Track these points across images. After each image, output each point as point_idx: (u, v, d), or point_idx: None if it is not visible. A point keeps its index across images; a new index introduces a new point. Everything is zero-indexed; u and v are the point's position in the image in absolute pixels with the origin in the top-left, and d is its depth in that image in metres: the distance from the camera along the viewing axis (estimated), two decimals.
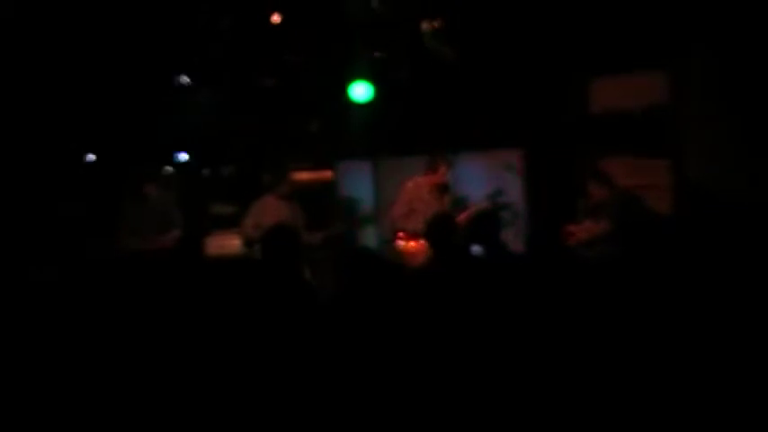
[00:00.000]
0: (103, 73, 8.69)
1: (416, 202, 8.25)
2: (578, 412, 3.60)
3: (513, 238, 8.62)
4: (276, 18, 8.73)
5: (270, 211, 8.17)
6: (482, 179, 9.69)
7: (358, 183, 10.62)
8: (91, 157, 8.96)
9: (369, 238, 10.38)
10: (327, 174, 10.09)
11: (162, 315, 5.64)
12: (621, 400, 3.66)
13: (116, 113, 9.06)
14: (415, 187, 8.33)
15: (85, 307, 6.37)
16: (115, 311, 6.04)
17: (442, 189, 8.41)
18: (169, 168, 8.96)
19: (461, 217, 7.90)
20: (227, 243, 8.99)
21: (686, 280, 5.14)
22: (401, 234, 8.32)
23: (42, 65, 8.23)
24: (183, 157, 9.46)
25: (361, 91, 9.79)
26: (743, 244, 6.63)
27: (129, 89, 8.96)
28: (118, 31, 8.23)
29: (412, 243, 8.22)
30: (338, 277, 4.85)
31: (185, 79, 9.20)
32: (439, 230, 5.72)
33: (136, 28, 8.24)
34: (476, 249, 6.09)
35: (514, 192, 9.04)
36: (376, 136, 10.35)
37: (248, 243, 8.35)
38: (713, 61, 8.47)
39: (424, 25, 9.01)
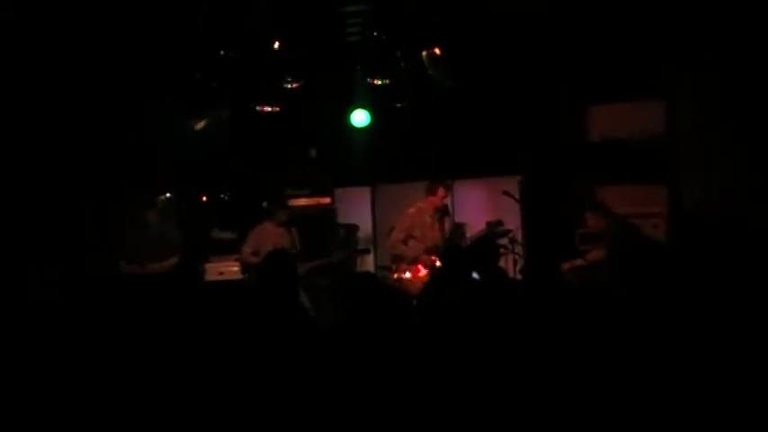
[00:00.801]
0: (102, 97, 8.72)
1: (416, 228, 8.28)
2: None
3: (512, 265, 8.68)
4: (276, 44, 8.76)
5: (268, 237, 8.20)
6: (481, 206, 9.73)
7: (357, 209, 10.64)
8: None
9: (367, 264, 10.39)
10: (326, 200, 10.11)
11: (157, 339, 5.65)
12: (617, 422, 3.67)
13: (115, 138, 9.07)
14: (417, 213, 8.35)
15: (82, 329, 6.37)
16: (112, 334, 6.05)
17: (443, 212, 8.44)
18: (169, 194, 8.96)
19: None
20: (227, 269, 9.00)
21: (682, 306, 5.16)
22: (399, 262, 8.36)
23: (42, 77, 8.26)
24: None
25: (360, 117, 9.84)
26: (740, 271, 6.65)
27: (128, 115, 8.98)
28: (119, 54, 8.26)
29: (410, 269, 8.25)
30: (338, 304, 4.86)
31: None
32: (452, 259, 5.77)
33: (137, 51, 8.28)
34: (475, 276, 6.11)
35: (512, 218, 9.07)
36: (375, 162, 10.39)
37: (247, 269, 8.38)
38: (710, 89, 8.53)
39: (424, 52, 9.05)
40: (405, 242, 8.30)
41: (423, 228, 8.28)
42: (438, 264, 8.08)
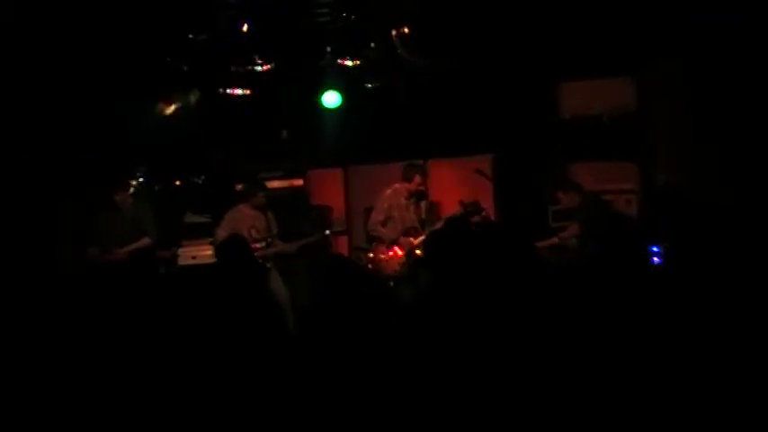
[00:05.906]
0: (77, 81, 8.63)
1: (394, 209, 8.32)
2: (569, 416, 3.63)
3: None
4: (245, 27, 8.71)
5: (243, 220, 8.16)
6: (454, 185, 9.74)
7: (329, 191, 10.62)
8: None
9: (342, 245, 10.38)
10: (299, 182, 10.07)
11: (126, 323, 5.64)
12: (602, 401, 3.69)
13: (87, 121, 8.98)
14: (393, 194, 8.39)
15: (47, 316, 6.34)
16: (79, 320, 6.02)
17: (419, 196, 8.48)
18: (141, 178, 8.92)
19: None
20: (200, 253, 8.96)
21: (656, 282, 5.21)
22: (377, 244, 8.38)
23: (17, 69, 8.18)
24: None
25: (331, 99, 9.80)
26: (711, 246, 6.72)
27: (100, 99, 8.89)
28: (89, 39, 8.17)
29: (387, 251, 8.28)
30: (314, 286, 4.85)
31: None
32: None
33: (110, 38, 8.19)
34: None
35: (485, 197, 9.09)
36: (347, 143, 10.36)
37: None
38: (680, 67, 8.58)
39: (394, 32, 9.02)
40: (383, 224, 8.33)
41: (399, 209, 8.32)
42: (415, 244, 8.16)
